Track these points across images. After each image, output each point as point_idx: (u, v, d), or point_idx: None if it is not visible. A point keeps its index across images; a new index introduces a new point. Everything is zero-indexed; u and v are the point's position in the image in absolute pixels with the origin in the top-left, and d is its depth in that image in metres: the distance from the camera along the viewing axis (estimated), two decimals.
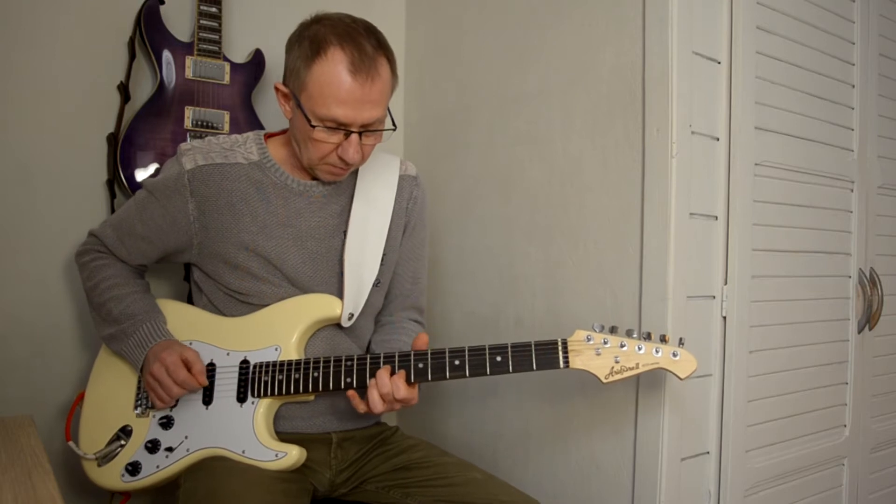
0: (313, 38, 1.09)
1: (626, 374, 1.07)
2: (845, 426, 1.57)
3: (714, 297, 1.30)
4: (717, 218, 1.30)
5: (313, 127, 1.10)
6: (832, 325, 1.53)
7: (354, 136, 1.11)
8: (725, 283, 1.30)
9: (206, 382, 1.15)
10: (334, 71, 1.07)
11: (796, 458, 1.44)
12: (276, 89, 1.17)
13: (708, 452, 1.31)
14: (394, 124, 1.16)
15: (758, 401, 1.35)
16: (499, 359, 1.09)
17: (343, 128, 1.10)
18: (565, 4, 1.42)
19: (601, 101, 1.34)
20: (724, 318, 1.30)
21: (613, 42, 1.32)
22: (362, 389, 1.14)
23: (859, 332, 1.59)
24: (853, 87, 1.56)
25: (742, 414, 1.32)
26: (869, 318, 1.59)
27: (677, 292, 1.21)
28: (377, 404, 1.11)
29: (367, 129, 1.12)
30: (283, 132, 1.28)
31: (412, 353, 1.12)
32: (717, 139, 1.30)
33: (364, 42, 1.09)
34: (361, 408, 1.13)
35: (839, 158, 1.54)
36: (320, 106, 1.08)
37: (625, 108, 1.29)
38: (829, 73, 1.51)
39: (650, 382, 1.23)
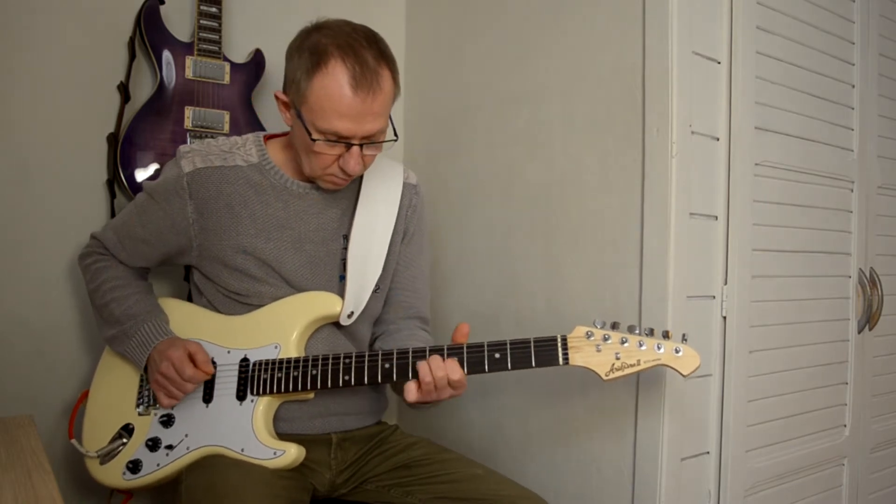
0: (314, 48, 1.07)
1: (627, 371, 1.05)
2: (845, 426, 1.57)
3: (714, 297, 1.30)
4: (717, 218, 1.30)
5: (314, 140, 1.09)
6: (832, 325, 1.53)
7: (356, 149, 1.10)
8: (725, 283, 1.30)
9: (212, 370, 1.15)
10: (335, 85, 1.05)
11: (796, 458, 1.44)
12: (277, 97, 1.16)
13: (708, 452, 1.31)
14: (395, 134, 1.15)
15: (758, 401, 1.35)
16: (497, 356, 1.08)
17: (344, 140, 1.09)
18: (565, 5, 1.42)
19: (601, 101, 1.34)
20: (724, 318, 1.30)
21: (613, 42, 1.32)
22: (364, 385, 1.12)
23: (859, 332, 1.59)
24: (853, 87, 1.56)
25: (742, 414, 1.32)
26: (869, 318, 1.59)
27: (677, 292, 1.21)
28: (430, 388, 1.07)
29: (369, 142, 1.11)
30: (284, 134, 1.27)
31: (411, 349, 1.11)
32: (717, 139, 1.30)
33: (366, 53, 1.07)
34: (412, 396, 1.09)
35: (839, 158, 1.54)
36: (321, 119, 1.07)
37: (625, 108, 1.29)
38: (829, 73, 1.51)
39: (650, 382, 1.24)
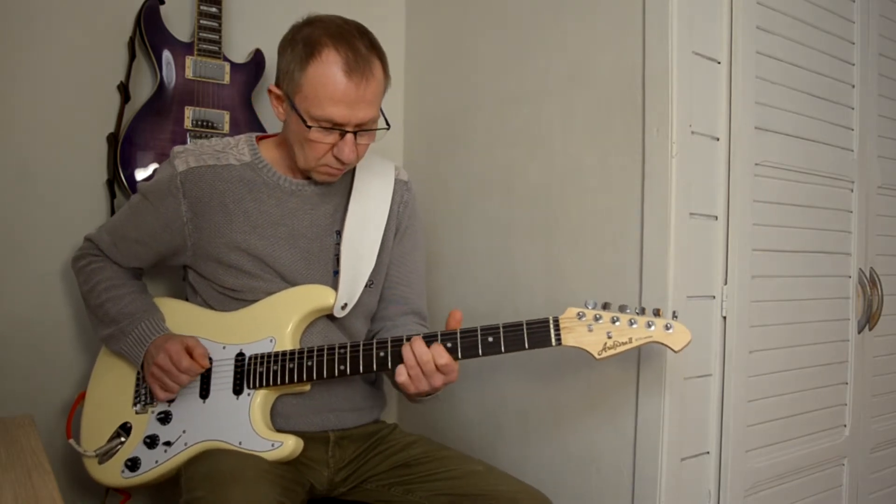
0: (307, 39, 1.11)
1: (619, 349, 1.06)
2: (845, 426, 1.57)
3: (714, 297, 1.30)
4: (717, 218, 1.30)
5: (309, 127, 1.11)
6: (832, 325, 1.53)
7: (350, 136, 1.12)
8: (725, 283, 1.30)
9: (207, 364, 1.16)
10: (329, 72, 1.08)
11: (796, 458, 1.44)
12: (270, 91, 1.18)
13: (708, 452, 1.31)
14: (387, 124, 1.17)
15: (758, 401, 1.35)
16: (490, 339, 1.08)
17: (338, 128, 1.11)
18: (565, 4, 1.42)
19: (601, 101, 1.34)
20: (724, 318, 1.30)
21: (613, 42, 1.32)
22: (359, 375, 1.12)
23: (859, 332, 1.59)
24: (853, 87, 1.56)
25: (742, 414, 1.32)
26: (869, 318, 1.59)
27: (677, 292, 1.21)
28: (418, 374, 1.07)
29: (362, 129, 1.13)
30: (275, 135, 1.29)
31: (405, 337, 1.11)
32: (717, 139, 1.30)
33: (357, 43, 1.10)
34: (402, 377, 1.08)
35: (839, 158, 1.54)
36: (315, 107, 1.10)
37: (625, 108, 1.29)
38: (829, 73, 1.50)
39: (651, 382, 1.24)
